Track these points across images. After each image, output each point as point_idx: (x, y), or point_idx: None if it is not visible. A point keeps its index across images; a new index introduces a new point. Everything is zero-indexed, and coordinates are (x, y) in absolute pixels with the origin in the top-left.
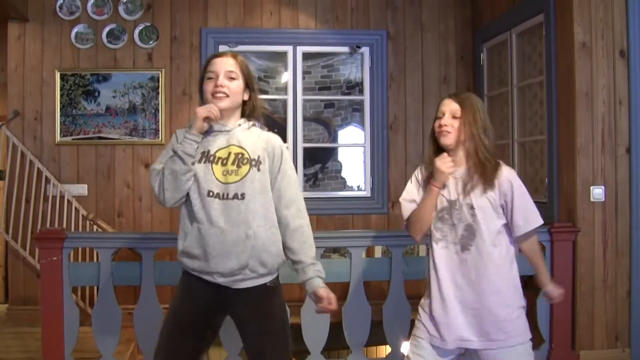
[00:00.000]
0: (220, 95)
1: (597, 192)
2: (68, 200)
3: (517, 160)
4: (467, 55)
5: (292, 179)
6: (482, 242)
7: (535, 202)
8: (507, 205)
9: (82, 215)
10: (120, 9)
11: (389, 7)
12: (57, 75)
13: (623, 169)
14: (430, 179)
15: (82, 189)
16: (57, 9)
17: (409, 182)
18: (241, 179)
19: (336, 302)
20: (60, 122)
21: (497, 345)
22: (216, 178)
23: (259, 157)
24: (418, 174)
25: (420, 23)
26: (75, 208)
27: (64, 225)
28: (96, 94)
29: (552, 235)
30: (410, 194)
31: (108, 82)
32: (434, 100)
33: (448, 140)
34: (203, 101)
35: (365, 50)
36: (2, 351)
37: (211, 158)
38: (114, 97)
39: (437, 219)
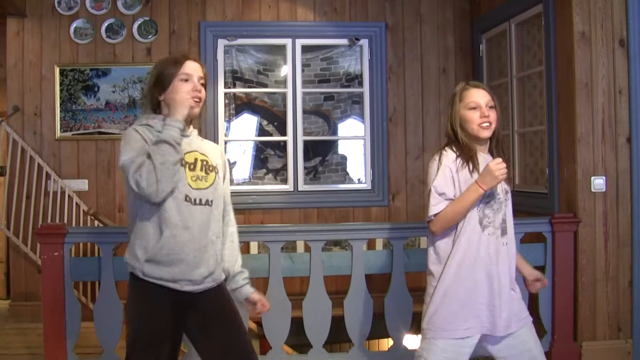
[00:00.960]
0: (197, 100)
1: (598, 183)
2: (69, 195)
3: (517, 151)
4: (466, 46)
5: (229, 187)
6: (511, 226)
7: (536, 193)
8: None
9: (83, 211)
10: (119, 3)
11: None
12: (57, 71)
13: (624, 158)
14: (465, 169)
15: (82, 184)
16: (56, 4)
17: (440, 174)
18: (210, 185)
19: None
20: (60, 118)
21: (525, 322)
22: (188, 183)
23: (217, 165)
24: (450, 164)
25: (418, 14)
26: (76, 203)
27: (65, 221)
28: (96, 89)
29: (553, 226)
30: (446, 190)
31: (107, 76)
32: (434, 91)
33: (489, 132)
34: (157, 99)
35: (364, 42)
36: (5, 347)
37: (181, 162)
38: (113, 91)
39: (485, 205)
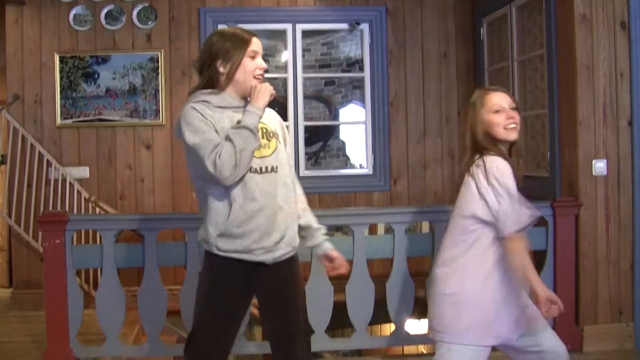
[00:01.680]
0: (262, 79)
1: (599, 166)
2: (70, 183)
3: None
4: (466, 30)
5: (292, 149)
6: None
7: (538, 177)
8: None
9: (84, 198)
10: None
11: None
12: (56, 58)
13: (625, 142)
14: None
15: (83, 172)
16: None
17: (506, 182)
18: (273, 152)
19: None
20: (61, 105)
21: None
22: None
23: (276, 130)
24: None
25: None
26: (77, 191)
27: (66, 208)
28: (96, 76)
29: (554, 210)
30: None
31: (107, 63)
32: (434, 76)
33: (516, 133)
34: (219, 73)
35: (364, 26)
36: (8, 335)
37: None
38: (113, 78)
39: None
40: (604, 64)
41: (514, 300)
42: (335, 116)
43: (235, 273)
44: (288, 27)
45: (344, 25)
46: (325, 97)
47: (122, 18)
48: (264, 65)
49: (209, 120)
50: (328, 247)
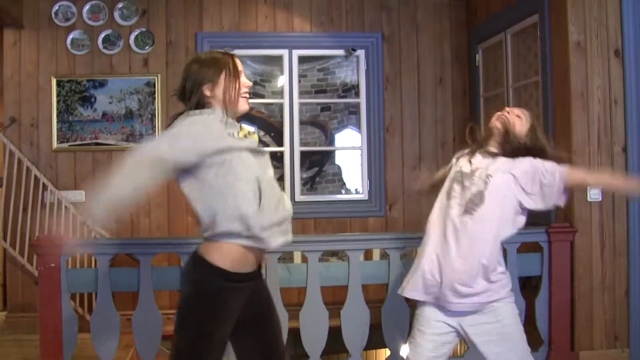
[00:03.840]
0: (247, 95)
1: (594, 192)
2: (65, 206)
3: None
4: (462, 56)
5: None
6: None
7: None
8: None
9: (80, 222)
10: (116, 14)
11: (384, 8)
12: (54, 82)
13: (619, 168)
14: None
15: (79, 195)
16: (53, 15)
17: None
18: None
19: None
20: (57, 129)
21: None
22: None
23: None
24: None
25: (415, 25)
26: (73, 214)
27: (62, 232)
28: (92, 100)
29: (549, 235)
30: None
31: (104, 87)
32: (430, 101)
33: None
34: (205, 96)
35: (360, 52)
36: (1, 358)
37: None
38: (110, 102)
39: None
40: (598, 90)
41: None
42: (331, 141)
43: (242, 294)
44: (284, 52)
45: (340, 51)
46: (321, 123)
47: (120, 42)
48: (249, 82)
49: (210, 137)
50: None
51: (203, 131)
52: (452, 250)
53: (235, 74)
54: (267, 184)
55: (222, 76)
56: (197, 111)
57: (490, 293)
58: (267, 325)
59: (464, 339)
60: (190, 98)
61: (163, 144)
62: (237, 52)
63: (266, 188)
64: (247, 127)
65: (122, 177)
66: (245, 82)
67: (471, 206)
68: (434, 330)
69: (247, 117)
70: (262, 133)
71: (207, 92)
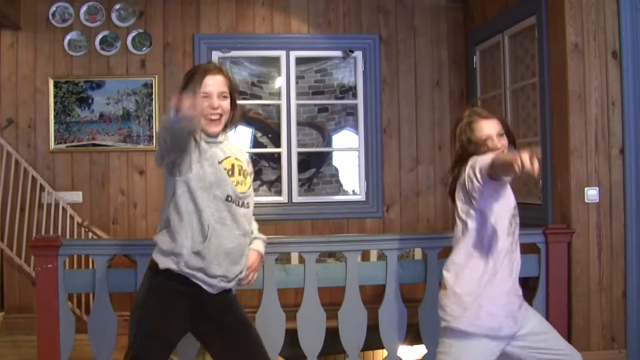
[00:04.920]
0: (216, 117)
1: (592, 194)
2: (63, 207)
3: None
4: (459, 58)
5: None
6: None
7: (530, 204)
8: None
9: (77, 223)
10: (113, 16)
11: (381, 11)
12: (51, 83)
13: (617, 169)
14: None
15: (76, 196)
16: (50, 17)
17: None
18: (247, 189)
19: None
20: (54, 130)
21: None
22: (231, 186)
23: (247, 167)
24: None
25: (412, 27)
26: (70, 215)
27: (59, 233)
28: (90, 101)
29: (547, 237)
30: None
31: (101, 89)
32: (427, 103)
33: None
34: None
35: (358, 54)
36: None
37: (222, 167)
38: (107, 104)
39: None
40: (596, 92)
41: None
42: (328, 143)
43: (179, 301)
44: (282, 54)
45: (338, 53)
46: (319, 124)
47: (117, 44)
48: (217, 105)
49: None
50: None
51: None
52: None
53: (202, 95)
54: None
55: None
56: None
57: None
58: (235, 344)
59: None
60: None
61: None
62: (234, 53)
63: None
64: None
65: None
66: (211, 104)
67: None
68: None
69: (245, 119)
70: (259, 134)
71: None
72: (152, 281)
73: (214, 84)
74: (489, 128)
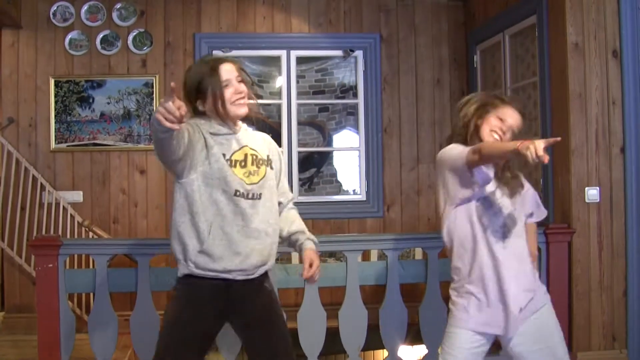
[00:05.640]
0: (243, 100)
1: (592, 193)
2: (63, 207)
3: (511, 162)
4: (460, 57)
5: (285, 174)
6: None
7: None
8: None
9: (78, 222)
10: (114, 15)
11: (382, 10)
12: (52, 82)
13: (617, 169)
14: None
15: (77, 196)
16: (51, 16)
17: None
18: (261, 179)
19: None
20: (55, 129)
21: None
22: (240, 178)
23: (267, 156)
24: None
25: (413, 26)
26: (71, 215)
27: (60, 232)
28: (90, 101)
29: (547, 236)
30: None
31: (102, 88)
32: (428, 103)
33: None
34: (198, 108)
35: (358, 53)
36: None
37: (230, 162)
38: (108, 103)
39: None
40: (597, 92)
41: None
42: (328, 142)
43: (207, 296)
44: (282, 53)
45: (338, 52)
46: (319, 124)
47: (118, 43)
48: (242, 88)
49: (195, 129)
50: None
51: None
52: None
53: (224, 84)
54: None
55: (211, 89)
56: (195, 118)
57: None
58: (263, 331)
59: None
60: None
61: None
62: (235, 53)
63: None
64: None
65: None
66: (237, 88)
67: None
68: None
69: (244, 118)
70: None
71: (200, 107)
72: (177, 291)
73: (229, 69)
74: (511, 118)
